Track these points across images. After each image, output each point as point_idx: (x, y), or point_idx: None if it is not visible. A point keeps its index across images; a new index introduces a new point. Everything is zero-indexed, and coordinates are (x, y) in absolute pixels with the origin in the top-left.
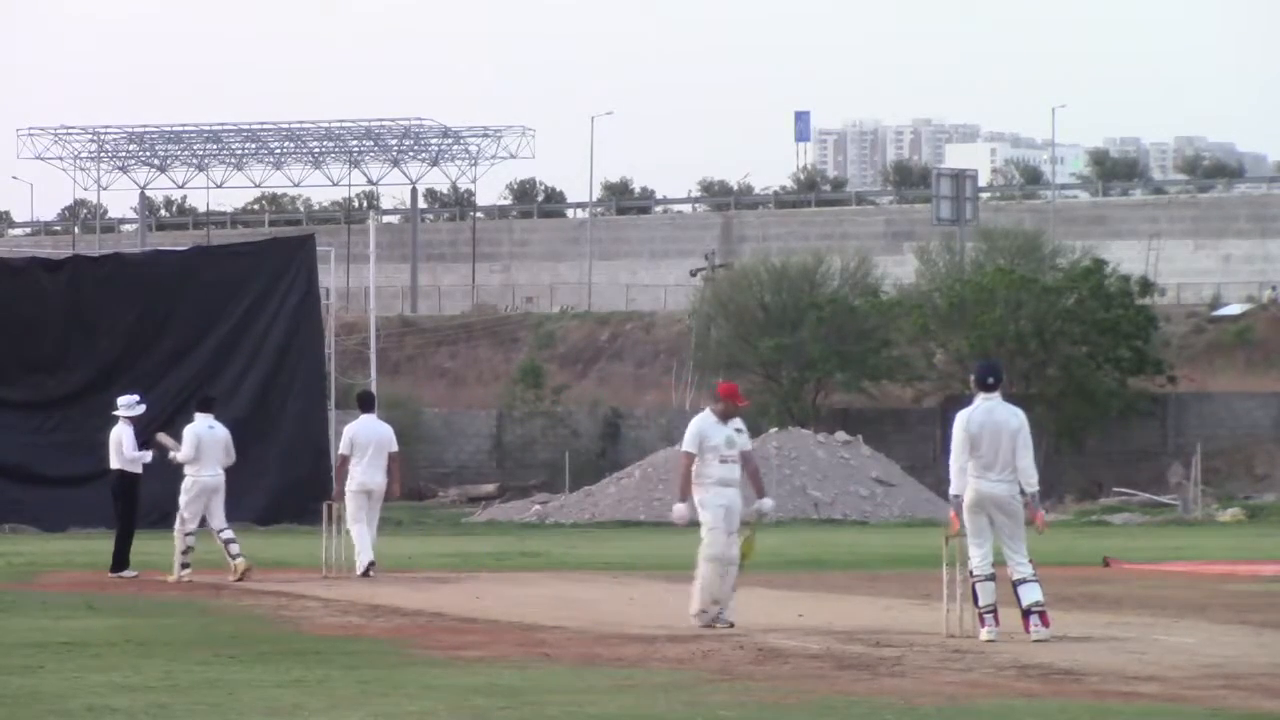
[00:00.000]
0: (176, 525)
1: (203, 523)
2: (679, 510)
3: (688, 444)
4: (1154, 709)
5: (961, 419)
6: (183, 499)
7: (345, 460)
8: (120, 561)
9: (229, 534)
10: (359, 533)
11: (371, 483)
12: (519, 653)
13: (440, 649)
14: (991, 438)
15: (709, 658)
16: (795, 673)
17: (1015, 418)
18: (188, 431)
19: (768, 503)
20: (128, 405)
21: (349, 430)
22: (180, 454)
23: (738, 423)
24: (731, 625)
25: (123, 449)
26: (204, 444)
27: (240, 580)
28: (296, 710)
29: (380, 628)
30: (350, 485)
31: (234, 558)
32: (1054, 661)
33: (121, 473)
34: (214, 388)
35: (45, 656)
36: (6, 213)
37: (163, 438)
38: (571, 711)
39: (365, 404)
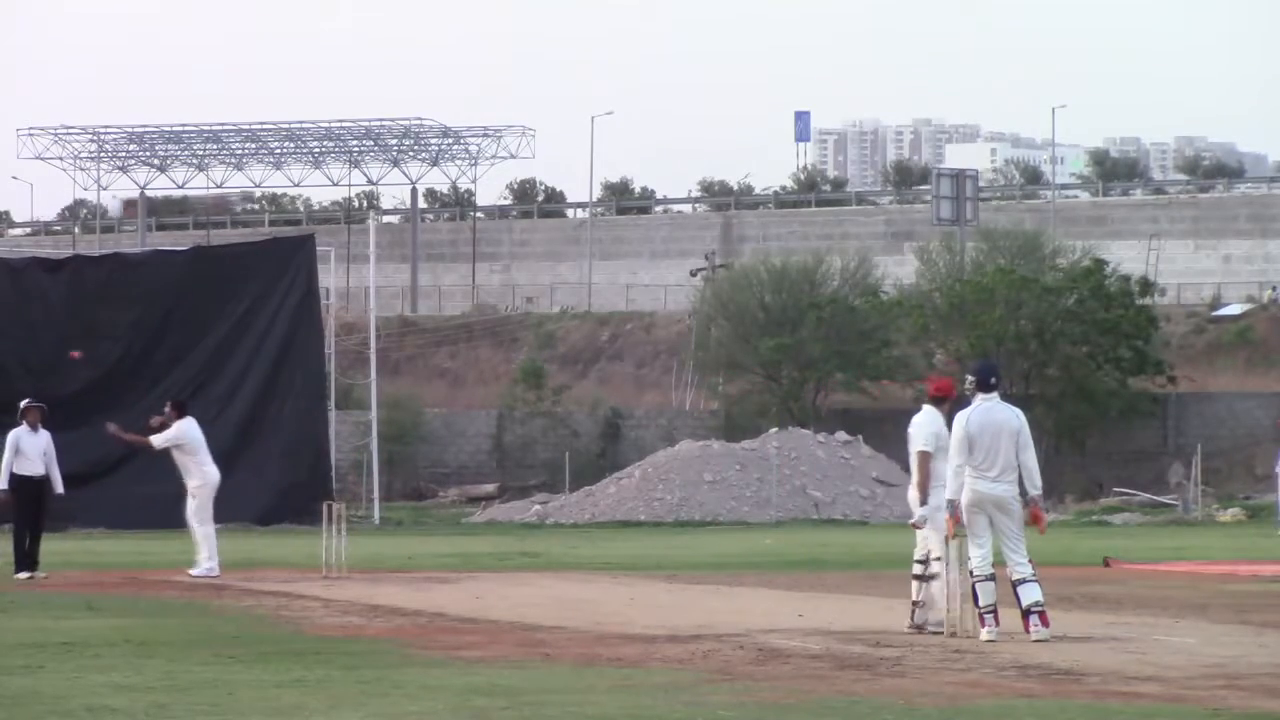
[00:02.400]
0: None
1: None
2: (923, 513)
3: (927, 443)
4: (1154, 709)
5: (960, 419)
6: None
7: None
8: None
9: None
10: (211, 533)
11: (218, 478)
12: (519, 653)
13: (440, 649)
14: (991, 438)
15: (709, 658)
16: (795, 673)
17: (1016, 418)
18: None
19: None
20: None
21: (189, 431)
22: None
23: None
24: (922, 629)
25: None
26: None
27: None
28: (296, 710)
29: (380, 628)
30: (207, 481)
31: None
32: (1054, 661)
33: (14, 476)
34: (214, 388)
35: (45, 656)
36: (6, 213)
37: None
38: (571, 711)
39: (186, 408)
